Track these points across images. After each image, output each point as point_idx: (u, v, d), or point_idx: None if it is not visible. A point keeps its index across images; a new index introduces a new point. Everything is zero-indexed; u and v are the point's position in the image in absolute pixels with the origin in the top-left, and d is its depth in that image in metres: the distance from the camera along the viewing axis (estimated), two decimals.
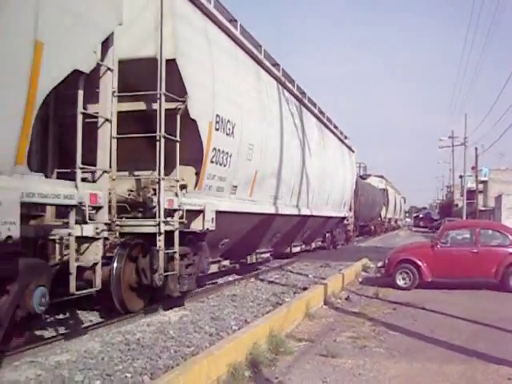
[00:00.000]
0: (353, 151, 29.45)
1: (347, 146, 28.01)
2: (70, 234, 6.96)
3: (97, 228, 7.25)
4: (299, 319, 9.53)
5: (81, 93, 7.04)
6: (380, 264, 15.86)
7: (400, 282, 14.18)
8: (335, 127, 24.94)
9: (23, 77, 5.81)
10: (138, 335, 7.97)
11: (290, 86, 16.95)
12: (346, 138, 27.75)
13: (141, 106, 9.38)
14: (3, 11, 5.44)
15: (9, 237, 5.49)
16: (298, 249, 21.91)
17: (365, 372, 6.74)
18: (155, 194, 9.14)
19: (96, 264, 7.34)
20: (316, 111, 20.84)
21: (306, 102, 19.08)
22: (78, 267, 7.03)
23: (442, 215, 76.04)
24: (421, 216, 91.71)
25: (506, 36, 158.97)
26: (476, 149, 50.53)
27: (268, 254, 17.20)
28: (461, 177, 64.26)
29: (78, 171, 6.97)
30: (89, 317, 9.23)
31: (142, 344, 7.46)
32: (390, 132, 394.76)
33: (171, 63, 9.11)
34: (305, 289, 12.49)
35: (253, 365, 6.57)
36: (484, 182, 62.89)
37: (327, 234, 27.14)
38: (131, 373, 6.25)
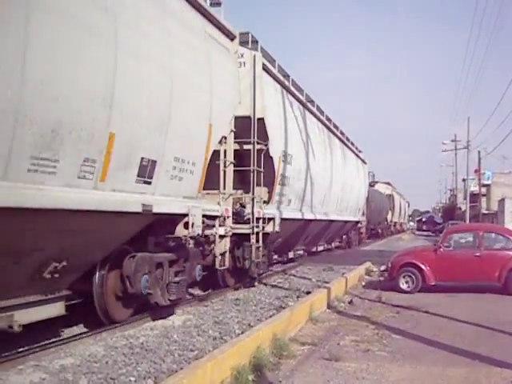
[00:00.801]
0: (365, 163, 33.26)
1: (361, 159, 31.76)
2: (216, 233, 10.76)
3: (226, 229, 11.30)
4: (302, 323, 9.54)
5: (222, 149, 11.23)
6: (383, 268, 15.86)
7: (403, 286, 14.17)
8: (352, 144, 28.98)
9: (204, 147, 9.86)
10: (141, 339, 7.99)
11: (321, 117, 21.30)
12: (360, 151, 31.58)
13: (236, 146, 12.62)
14: (194, 111, 9.45)
15: (198, 234, 9.57)
16: (321, 247, 26.24)
17: (368, 375, 6.74)
18: (242, 206, 13.26)
19: (225, 252, 11.43)
20: (339, 133, 25.01)
21: (332, 127, 23.28)
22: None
23: (445, 219, 75.92)
24: (424, 220, 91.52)
25: (509, 38, 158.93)
26: (479, 152, 50.46)
27: (302, 251, 21.64)
28: (464, 180, 64.30)
29: (221, 195, 11.14)
30: None
31: (145, 348, 7.49)
32: (392, 134, 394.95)
33: (260, 120, 13.33)
34: (308, 293, 12.48)
35: (256, 368, 6.57)
36: (487, 186, 62.87)
37: (344, 236, 31.26)
38: (135, 377, 6.27)
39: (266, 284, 14.67)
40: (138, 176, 7.81)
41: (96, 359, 6.87)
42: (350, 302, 12.31)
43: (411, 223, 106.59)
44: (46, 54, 5.77)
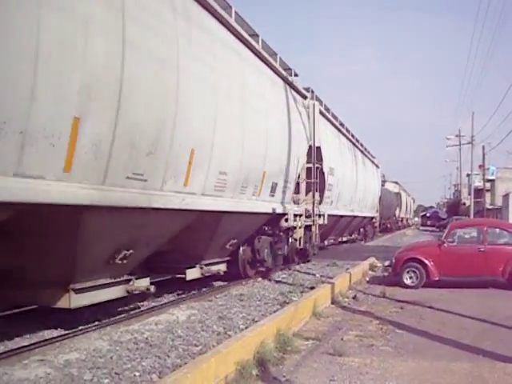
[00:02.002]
0: (378, 167, 39.21)
1: (375, 164, 37.82)
2: (297, 225, 16.22)
3: (302, 222, 16.65)
4: (306, 318, 9.56)
5: (301, 170, 16.68)
6: (387, 263, 15.86)
7: (407, 281, 14.18)
8: (368, 152, 34.83)
9: (295, 172, 15.73)
10: (146, 334, 8.02)
11: (349, 136, 27.87)
12: (374, 157, 37.34)
13: None
14: (294, 152, 15.10)
15: (291, 225, 15.57)
16: (345, 238, 31.90)
17: (372, 370, 6.76)
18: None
19: (301, 237, 16.76)
20: (359, 146, 31.07)
21: (355, 142, 29.51)
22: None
23: (450, 214, 75.77)
24: (428, 215, 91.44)
25: None
26: (483, 147, 50.36)
27: (332, 240, 27.90)
28: (468, 175, 64.11)
29: (301, 201, 16.89)
30: None
31: (150, 343, 7.51)
32: (396, 129, 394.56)
33: (318, 148, 18.10)
34: (312, 288, 12.49)
35: (260, 363, 6.60)
36: (491, 181, 62.73)
37: (361, 229, 36.89)
38: (140, 371, 6.29)
39: (270, 279, 14.68)
40: (270, 192, 13.69)
41: (101, 354, 6.90)
42: (354, 298, 12.34)
43: (416, 218, 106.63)
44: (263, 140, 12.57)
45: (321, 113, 19.98)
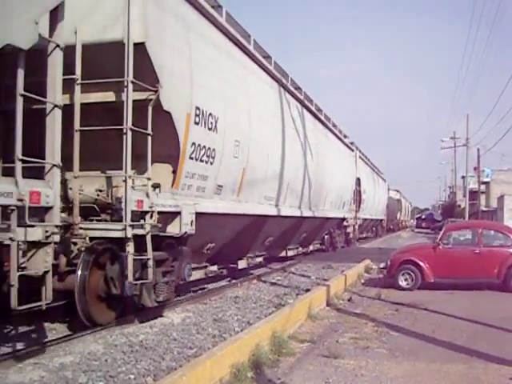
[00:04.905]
0: (385, 180, 51.46)
1: (384, 179, 50.23)
2: (350, 224, 31.81)
3: (351, 223, 32.84)
4: (302, 320, 9.55)
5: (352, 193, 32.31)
6: (382, 265, 15.87)
7: (402, 283, 14.19)
8: (379, 171, 46.38)
9: (350, 194, 29.78)
10: (140, 337, 8.01)
11: (370, 164, 40.43)
12: (382, 173, 48.97)
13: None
14: (349, 181, 30.02)
15: (347, 222, 31.17)
16: (364, 235, 41.37)
17: (367, 372, 6.76)
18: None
19: (350, 232, 33.12)
20: (375, 169, 43.23)
21: (373, 167, 41.87)
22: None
23: (445, 216, 75.83)
24: (423, 217, 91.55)
25: (509, 35, 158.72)
26: (478, 150, 50.44)
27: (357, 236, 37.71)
28: (463, 177, 64.22)
29: (351, 210, 33.08)
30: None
31: (145, 346, 7.50)
32: (392, 131, 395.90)
33: (358, 179, 33.20)
34: (307, 290, 12.50)
35: (255, 366, 6.60)
36: (486, 183, 62.79)
37: (374, 229, 47.54)
38: (134, 374, 6.29)
39: (265, 281, 14.68)
40: (342, 206, 26.45)
41: (95, 357, 6.89)
42: (349, 300, 12.33)
43: (412, 221, 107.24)
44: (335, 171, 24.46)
45: (360, 157, 33.01)
